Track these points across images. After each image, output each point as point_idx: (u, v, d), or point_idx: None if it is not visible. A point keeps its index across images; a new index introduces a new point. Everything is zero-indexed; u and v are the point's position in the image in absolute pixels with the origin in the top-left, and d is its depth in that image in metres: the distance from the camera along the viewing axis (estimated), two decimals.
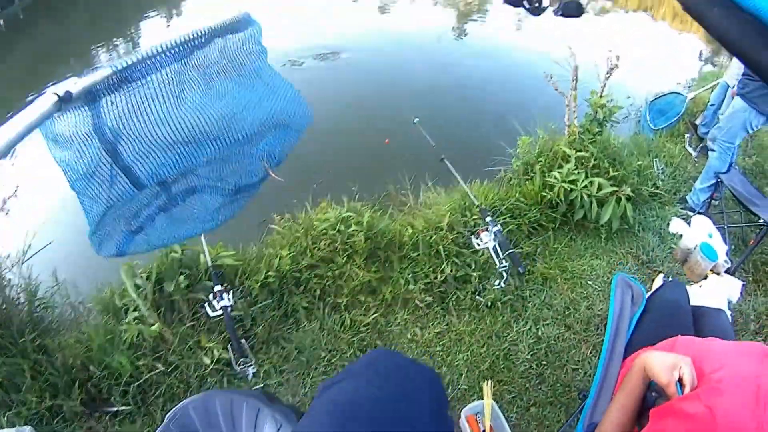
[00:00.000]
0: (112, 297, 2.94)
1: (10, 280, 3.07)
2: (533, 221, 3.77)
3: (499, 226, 3.06)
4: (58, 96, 0.88)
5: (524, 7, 0.92)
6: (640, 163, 4.46)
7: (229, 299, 2.77)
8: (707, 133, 5.70)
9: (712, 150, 4.32)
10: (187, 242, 3.11)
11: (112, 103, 0.99)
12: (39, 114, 0.85)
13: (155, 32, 10.77)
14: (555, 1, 0.84)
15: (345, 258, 3.27)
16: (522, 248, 3.65)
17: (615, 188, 3.76)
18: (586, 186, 3.74)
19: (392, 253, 3.35)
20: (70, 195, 1.17)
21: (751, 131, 4.13)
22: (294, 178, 4.91)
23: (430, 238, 3.39)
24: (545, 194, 3.78)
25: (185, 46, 1.05)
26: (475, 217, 3.52)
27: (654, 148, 5.03)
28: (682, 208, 4.55)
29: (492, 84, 7.38)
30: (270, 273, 3.18)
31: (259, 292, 3.14)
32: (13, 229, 3.50)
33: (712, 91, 5.55)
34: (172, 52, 1.02)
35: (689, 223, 4.33)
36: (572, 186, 3.72)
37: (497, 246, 3.09)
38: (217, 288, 2.79)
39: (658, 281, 3.16)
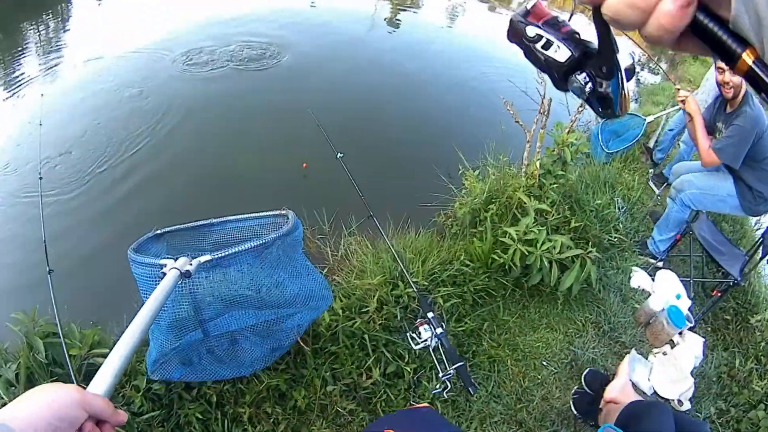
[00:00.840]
0: None
1: None
2: (480, 289, 3.10)
3: (442, 327, 2.34)
4: (180, 272, 1.34)
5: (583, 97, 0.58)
6: (599, 202, 3.90)
7: None
8: (662, 158, 5.30)
9: (673, 199, 3.84)
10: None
11: (206, 277, 1.61)
12: (168, 289, 1.23)
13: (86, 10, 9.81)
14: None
15: None
16: (466, 323, 2.96)
17: (580, 250, 3.15)
18: (547, 248, 3.10)
19: (305, 345, 2.56)
20: None
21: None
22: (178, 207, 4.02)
23: (354, 325, 2.62)
24: (496, 257, 3.11)
25: (261, 247, 1.63)
26: (409, 290, 2.78)
27: (610, 179, 4.49)
28: (641, 254, 4.06)
29: (436, 95, 6.18)
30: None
31: (142, 402, 2.31)
32: None
33: (672, 115, 5.09)
34: (253, 252, 1.61)
35: (652, 276, 3.87)
36: (530, 249, 3.06)
37: (441, 349, 2.38)
38: None
39: (625, 367, 2.62)
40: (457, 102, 5.94)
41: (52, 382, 2.40)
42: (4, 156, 4.82)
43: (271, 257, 1.75)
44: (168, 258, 1.50)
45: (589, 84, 0.57)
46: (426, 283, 2.85)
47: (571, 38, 0.58)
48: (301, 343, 2.54)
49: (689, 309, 3.56)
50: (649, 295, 3.71)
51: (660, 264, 4.07)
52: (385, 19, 8.80)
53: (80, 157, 4.74)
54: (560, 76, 0.59)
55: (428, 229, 3.46)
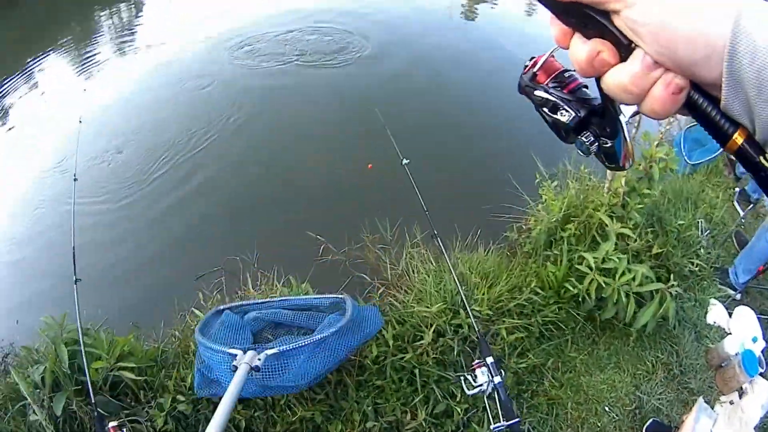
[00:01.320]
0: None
1: None
2: (549, 321, 2.74)
3: (501, 376, 2.01)
4: (251, 366, 1.52)
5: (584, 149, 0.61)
6: (681, 223, 3.43)
7: None
8: (745, 173, 4.71)
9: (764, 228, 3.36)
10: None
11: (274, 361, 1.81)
12: (241, 383, 1.41)
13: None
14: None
15: None
16: (529, 359, 2.63)
17: (660, 285, 2.75)
18: (626, 280, 2.71)
19: (347, 376, 2.28)
20: None
21: None
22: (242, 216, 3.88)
23: (404, 358, 2.31)
24: (570, 287, 2.73)
25: (320, 340, 1.87)
26: (470, 320, 2.44)
27: (692, 195, 3.98)
28: (721, 284, 3.62)
29: (513, 95, 5.54)
30: (181, 396, 2.11)
31: (166, 421, 2.14)
32: None
33: None
34: (313, 344, 1.86)
35: (729, 311, 3.44)
36: (607, 280, 2.68)
37: (496, 398, 2.06)
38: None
39: (691, 422, 2.31)
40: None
41: (75, 390, 2.21)
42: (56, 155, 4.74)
43: (327, 343, 1.96)
44: (237, 348, 1.74)
45: (595, 144, 0.58)
46: (490, 313, 2.51)
47: (577, 97, 0.59)
48: (344, 375, 2.26)
49: (762, 351, 3.16)
50: (725, 334, 3.32)
51: (738, 296, 3.63)
52: (461, 14, 8.08)
53: (141, 151, 4.73)
54: (567, 134, 0.60)
55: (498, 245, 3.08)
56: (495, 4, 8.54)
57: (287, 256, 3.30)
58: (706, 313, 3.42)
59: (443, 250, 2.37)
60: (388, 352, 2.31)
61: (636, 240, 2.88)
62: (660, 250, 3.03)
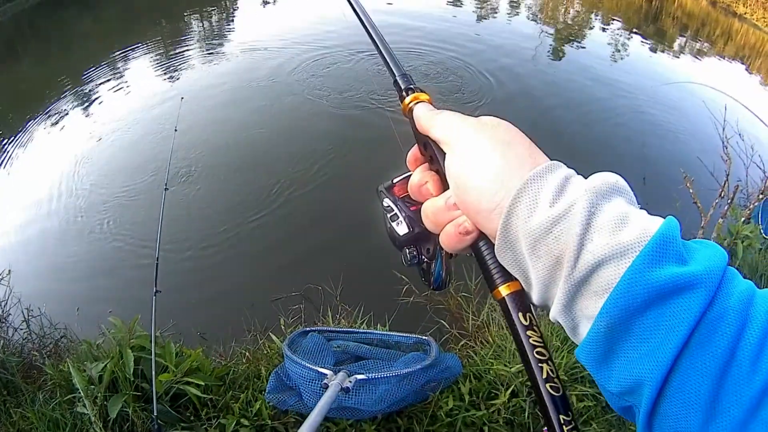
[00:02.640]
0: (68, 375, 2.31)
1: None
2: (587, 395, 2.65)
3: None
4: (342, 387, 1.63)
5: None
6: None
7: None
8: None
9: None
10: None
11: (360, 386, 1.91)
12: (330, 401, 1.50)
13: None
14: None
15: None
16: (593, 427, 2.54)
17: None
18: None
19: (417, 424, 2.20)
20: None
21: None
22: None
23: (476, 414, 2.23)
24: None
25: (407, 373, 2.02)
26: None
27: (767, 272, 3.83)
28: None
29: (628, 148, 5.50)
30: (245, 420, 2.04)
31: None
32: None
33: None
34: (400, 376, 1.99)
35: None
36: None
37: None
38: None
39: None
40: (633, 160, 5.27)
41: (134, 396, 2.14)
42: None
43: (411, 377, 2.06)
44: (327, 368, 1.91)
45: (416, 259, 0.63)
46: (565, 378, 2.41)
47: (416, 217, 0.61)
48: (414, 423, 2.18)
49: None
50: None
51: None
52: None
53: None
54: (397, 244, 0.64)
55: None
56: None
57: (370, 292, 3.26)
58: None
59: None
60: (462, 406, 2.22)
61: None
62: None
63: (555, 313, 0.44)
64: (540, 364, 0.45)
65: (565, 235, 0.41)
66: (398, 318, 2.86)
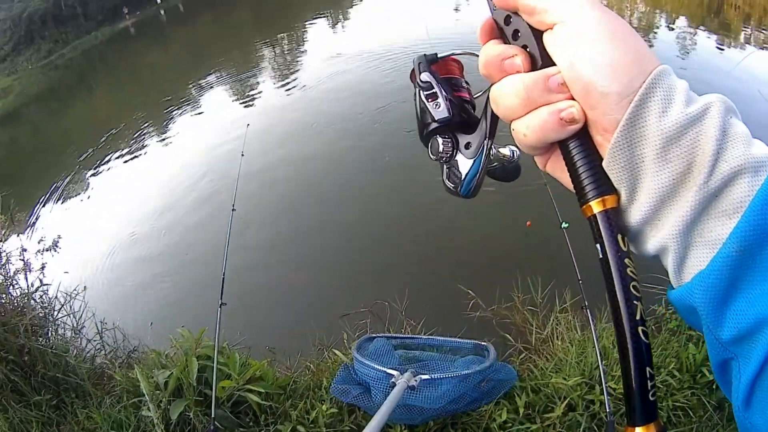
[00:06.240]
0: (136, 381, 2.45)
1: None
2: (678, 407, 2.54)
3: None
4: (408, 385, 1.74)
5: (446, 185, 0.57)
6: None
7: None
8: None
9: None
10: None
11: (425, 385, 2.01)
12: (398, 397, 1.62)
13: (320, 32, 10.83)
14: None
15: (404, 427, 2.15)
16: None
17: None
18: None
19: None
20: None
21: None
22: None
23: (530, 429, 2.20)
24: (707, 372, 2.52)
25: (467, 374, 2.13)
26: (602, 398, 2.30)
27: None
28: None
29: None
30: (301, 428, 2.11)
31: None
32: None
33: None
34: (461, 377, 2.11)
35: None
36: None
37: None
38: None
39: None
40: None
41: (197, 401, 2.24)
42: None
43: (470, 380, 2.15)
44: (393, 369, 2.05)
45: (448, 153, 0.54)
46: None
47: (459, 104, 0.54)
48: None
49: None
50: None
51: None
52: None
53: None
54: (428, 130, 0.54)
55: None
56: None
57: (436, 306, 3.29)
58: None
59: (590, 321, 2.22)
60: (516, 419, 2.19)
61: None
62: None
63: (665, 237, 0.38)
64: (635, 302, 0.39)
65: (703, 139, 0.36)
66: (463, 333, 2.86)
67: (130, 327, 3.25)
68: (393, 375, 1.88)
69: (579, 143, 0.41)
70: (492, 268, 3.65)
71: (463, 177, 0.54)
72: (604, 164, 0.40)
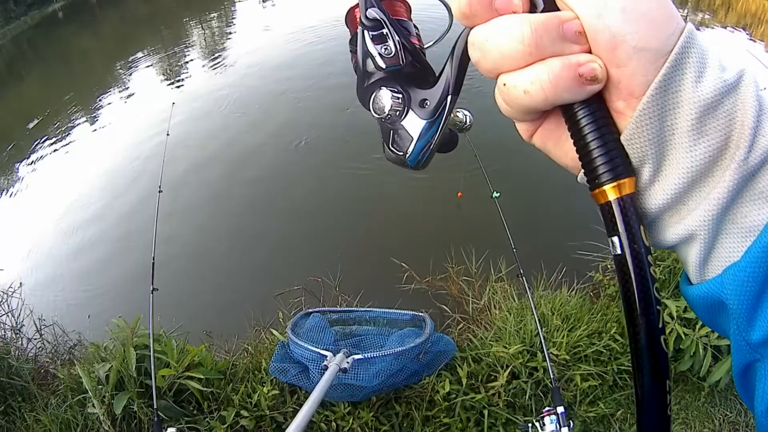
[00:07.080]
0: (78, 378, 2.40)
1: None
2: (624, 370, 2.62)
3: (568, 428, 1.92)
4: (340, 368, 1.70)
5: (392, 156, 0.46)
6: None
7: None
8: None
9: None
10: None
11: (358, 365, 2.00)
12: (329, 381, 1.56)
13: (249, 13, 10.86)
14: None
15: (347, 404, 2.14)
16: (599, 407, 2.52)
17: None
18: (706, 332, 2.57)
19: (415, 410, 2.20)
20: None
21: None
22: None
23: (475, 398, 2.23)
24: None
25: (401, 350, 2.09)
26: (545, 364, 2.34)
27: None
28: None
29: None
30: (245, 412, 2.07)
31: None
32: None
33: None
34: (395, 354, 2.08)
35: None
36: (687, 331, 2.54)
37: None
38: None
39: None
40: None
41: (138, 392, 2.19)
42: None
43: (405, 355, 2.14)
44: (327, 350, 1.99)
45: (398, 110, 0.42)
46: (567, 358, 2.40)
47: (412, 50, 0.43)
48: (413, 408, 2.19)
49: None
50: None
51: None
52: None
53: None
54: (369, 82, 0.43)
55: (583, 285, 2.93)
56: None
57: (369, 280, 3.29)
58: None
59: (527, 289, 2.26)
60: (460, 390, 2.22)
61: None
62: None
63: (694, 224, 0.32)
64: (657, 307, 0.33)
65: (741, 110, 0.31)
66: (399, 305, 2.88)
67: (68, 322, 3.15)
68: (326, 356, 1.84)
69: (593, 109, 0.33)
70: (424, 240, 3.68)
71: (414, 142, 0.43)
72: (623, 137, 0.33)
